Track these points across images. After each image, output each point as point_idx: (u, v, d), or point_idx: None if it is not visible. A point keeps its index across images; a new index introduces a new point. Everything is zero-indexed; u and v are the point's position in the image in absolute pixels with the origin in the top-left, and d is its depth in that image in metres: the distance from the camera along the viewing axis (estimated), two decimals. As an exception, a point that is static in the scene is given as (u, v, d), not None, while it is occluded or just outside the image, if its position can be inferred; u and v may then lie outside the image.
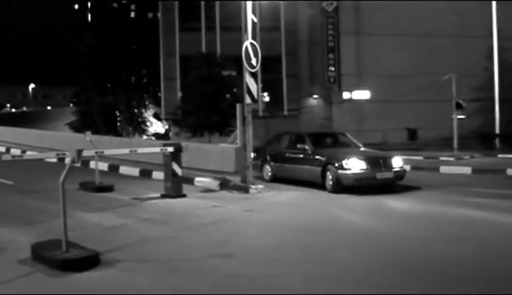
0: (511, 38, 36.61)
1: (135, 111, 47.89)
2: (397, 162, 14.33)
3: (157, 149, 13.60)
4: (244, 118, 15.09)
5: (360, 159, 13.78)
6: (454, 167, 20.17)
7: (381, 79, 37.63)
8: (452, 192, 13.82)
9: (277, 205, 12.45)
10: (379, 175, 13.63)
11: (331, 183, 13.82)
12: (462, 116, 27.35)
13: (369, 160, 13.86)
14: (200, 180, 15.41)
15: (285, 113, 39.12)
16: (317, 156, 14.52)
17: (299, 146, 15.25)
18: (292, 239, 8.66)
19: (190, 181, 15.18)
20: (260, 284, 6.27)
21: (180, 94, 36.58)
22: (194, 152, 17.16)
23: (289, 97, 39.36)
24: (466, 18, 37.65)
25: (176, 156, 13.04)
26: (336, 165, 13.66)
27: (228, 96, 31.63)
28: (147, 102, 49.41)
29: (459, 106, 27.04)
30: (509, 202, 12.17)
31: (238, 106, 15.35)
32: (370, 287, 6.13)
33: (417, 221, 10.37)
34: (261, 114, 37.21)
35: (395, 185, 14.31)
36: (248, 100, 14.71)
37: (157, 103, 45.89)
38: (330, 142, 16.47)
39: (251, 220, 10.50)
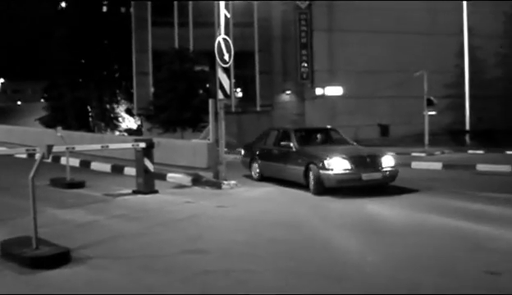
0: (481, 36, 37.12)
1: (107, 106, 47.59)
2: (387, 162, 12.98)
3: (129, 145, 13.50)
4: (216, 114, 15.03)
5: (343, 158, 12.53)
6: (425, 163, 20.44)
7: (353, 75, 37.90)
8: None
9: (250, 200, 12.44)
10: (365, 176, 12.39)
11: (313, 183, 12.72)
12: (433, 113, 27.69)
13: (354, 159, 12.61)
14: (172, 176, 15.34)
15: (258, 109, 39.22)
16: (300, 155, 13.55)
17: (283, 143, 14.43)
18: (264, 234, 8.66)
19: (163, 177, 15.09)
20: (233, 280, 6.26)
21: (152, 90, 36.45)
22: (167, 147, 17.06)
23: (262, 92, 39.44)
24: (438, 16, 38.14)
25: (148, 151, 12.95)
26: (319, 164, 12.52)
27: (201, 91, 31.61)
28: (119, 98, 49.11)
29: (430, 103, 27.36)
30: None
31: (210, 101, 15.30)
32: (338, 281, 6.16)
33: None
34: (234, 110, 37.25)
35: (386, 187, 13.18)
36: (220, 95, 14.65)
37: (129, 99, 45.61)
38: (319, 138, 15.27)
39: (224, 216, 10.48)
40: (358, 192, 12.60)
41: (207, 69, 33.48)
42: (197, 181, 14.71)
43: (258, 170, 15.48)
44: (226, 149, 15.38)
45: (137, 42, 39.29)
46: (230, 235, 8.64)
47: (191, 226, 9.40)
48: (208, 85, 32.00)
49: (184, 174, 15.24)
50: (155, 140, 13.70)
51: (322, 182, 12.50)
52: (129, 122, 48.75)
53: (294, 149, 13.92)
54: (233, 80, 34.74)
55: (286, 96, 40.31)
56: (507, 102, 36.69)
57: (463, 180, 15.87)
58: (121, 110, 48.74)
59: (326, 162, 12.43)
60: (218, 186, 14.10)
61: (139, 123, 45.83)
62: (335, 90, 39.05)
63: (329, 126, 16.87)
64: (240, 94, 40.39)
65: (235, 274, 6.48)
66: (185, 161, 16.94)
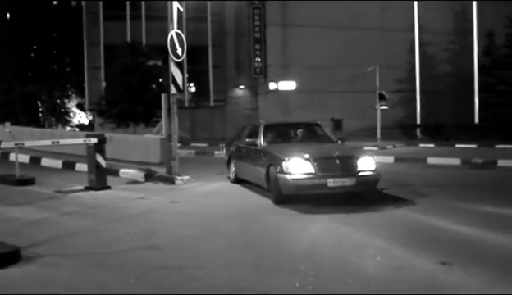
0: (431, 33, 37.89)
1: (58, 101, 46.75)
2: (365, 164, 10.65)
3: (81, 140, 13.35)
4: (169, 108, 14.96)
5: (305, 159, 10.41)
6: (377, 156, 20.71)
7: (306, 70, 38.11)
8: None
9: (203, 195, 12.42)
10: (332, 182, 10.16)
11: (272, 190, 11.01)
12: (385, 107, 28.10)
13: (319, 161, 10.41)
14: (125, 172, 15.19)
15: (212, 104, 39.11)
16: (264, 154, 11.71)
17: (247, 140, 12.97)
18: (217, 229, 8.66)
19: (115, 173, 14.93)
20: (187, 276, 6.23)
21: (104, 84, 35.96)
22: (119, 143, 16.86)
23: (215, 87, 39.36)
24: (389, 12, 38.60)
25: (100, 147, 12.81)
26: (276, 167, 10.65)
27: (154, 86, 31.33)
28: (70, 92, 48.31)
29: (382, 97, 27.76)
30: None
31: (163, 96, 15.23)
32: (288, 272, 6.20)
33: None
34: (187, 104, 37.12)
35: (367, 194, 11.17)
36: (173, 90, 14.57)
37: (81, 93, 44.94)
38: (294, 135, 13.41)
39: (177, 211, 10.43)
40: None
41: (160, 63, 33.20)
42: (150, 176, 14.62)
43: (233, 171, 13.98)
44: (179, 144, 15.31)
45: (88, 35, 38.68)
46: (183, 230, 8.61)
47: (144, 222, 9.32)
48: (160, 80, 31.73)
49: (137, 170, 15.10)
50: (107, 135, 13.57)
51: (279, 188, 10.57)
52: (80, 117, 48.03)
53: (259, 147, 12.23)
54: (186, 75, 34.59)
55: (240, 91, 40.31)
56: (456, 97, 37.52)
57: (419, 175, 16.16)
58: (72, 105, 47.99)
59: (284, 164, 10.40)
60: (171, 181, 14.05)
61: (90, 118, 45.20)
62: (288, 85, 39.19)
63: (311, 121, 14.57)
64: (193, 89, 40.22)
65: (188, 269, 6.45)
66: (138, 156, 16.78)
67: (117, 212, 10.26)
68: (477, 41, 34.99)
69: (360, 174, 10.46)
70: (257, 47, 39.15)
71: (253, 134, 13.00)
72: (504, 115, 31.55)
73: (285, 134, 13.33)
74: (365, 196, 11.11)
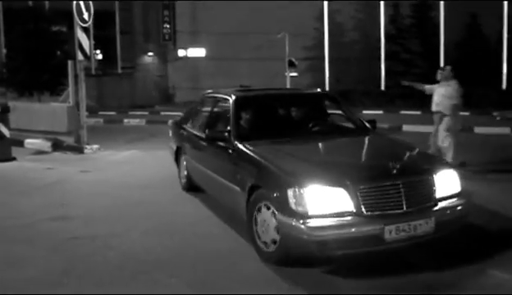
0: (339, 1, 38.51)
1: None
2: (446, 185, 5.54)
3: (-18, 110, 12.72)
4: (76, 76, 14.52)
5: (335, 182, 5.08)
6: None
7: (216, 37, 37.87)
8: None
9: (114, 164, 12.18)
10: (393, 231, 4.97)
11: (267, 241, 5.47)
12: (295, 74, 28.41)
13: (365, 185, 5.09)
14: (31, 142, 14.65)
15: (120, 71, 38.24)
16: (241, 162, 6.22)
17: (209, 132, 7.07)
18: (129, 198, 8.58)
19: (20, 143, 14.35)
20: (101, 244, 6.15)
21: (4, 51, 34.35)
22: (24, 111, 16.18)
23: (123, 54, 38.40)
24: (298, -21, 38.81)
25: (2, 116, 12.31)
26: (273, 199, 5.30)
27: (59, 53, 30.23)
28: (-33, 60, 45.83)
29: (291, 64, 28.04)
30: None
31: (69, 63, 14.75)
32: (201, 237, 6.24)
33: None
34: (94, 72, 36.08)
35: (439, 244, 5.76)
36: (80, 56, 14.15)
37: (-22, 61, 42.71)
38: (293, 118, 7.60)
39: (87, 181, 10.21)
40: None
41: (65, 29, 32.00)
42: (57, 146, 14.19)
43: (186, 174, 8.81)
44: (87, 113, 14.93)
45: (-14, -1, 36.73)
46: (94, 200, 8.45)
47: (54, 193, 9.07)
48: (66, 47, 30.63)
49: (43, 140, 14.60)
50: (10, 104, 13.04)
51: (285, 244, 5.21)
52: (-21, 86, 45.75)
53: (231, 148, 6.49)
54: (93, 42, 33.57)
55: (149, 58, 39.60)
56: (364, 65, 38.48)
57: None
58: (-30, 73, 45.58)
59: (292, 194, 5.04)
60: (80, 151, 13.73)
61: (-10, 87, 43.15)
62: (197, 52, 38.98)
63: (319, 89, 10.08)
64: (100, 56, 39.16)
65: (102, 239, 6.37)
66: (45, 125, 16.19)
67: (25, 184, 9.92)
68: (383, 10, 35.87)
69: (441, 207, 5.37)
70: (166, 13, 38.49)
71: (218, 118, 7.91)
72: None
73: (274, 117, 7.52)
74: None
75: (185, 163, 8.80)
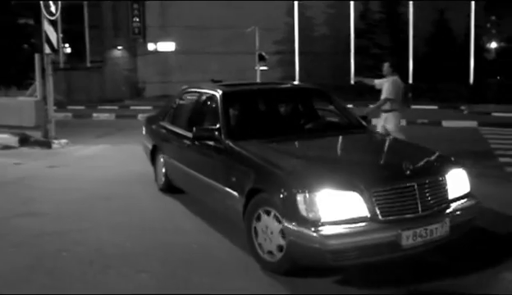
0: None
1: None
2: (457, 184, 5.34)
3: None
4: (43, 69, 14.32)
5: (348, 186, 4.72)
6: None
7: (185, 31, 37.71)
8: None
9: (83, 159, 12.05)
10: (410, 237, 4.70)
11: (272, 250, 5.02)
12: (265, 68, 28.38)
13: (380, 188, 4.77)
14: (-3, 137, 14.43)
15: (88, 65, 37.85)
16: (236, 163, 5.81)
17: (194, 132, 6.36)
18: (98, 192, 8.48)
19: (-14, 138, 14.15)
20: (70, 240, 6.07)
21: (-31, 45, 33.77)
22: (-11, 106, 15.93)
23: (92, 48, 38.02)
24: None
25: (-32, 111, 12.09)
26: (277, 204, 4.88)
27: (26, 46, 29.84)
28: None
29: (261, 58, 27.97)
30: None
31: (37, 56, 14.53)
32: (175, 234, 6.21)
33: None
34: (62, 66, 35.67)
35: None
36: (47, 50, 13.96)
37: None
38: (285, 115, 7.49)
39: (55, 176, 10.08)
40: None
41: (31, 22, 31.57)
42: (25, 141, 13.99)
43: (164, 172, 8.20)
44: (55, 107, 14.74)
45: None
46: (63, 196, 8.34)
47: (21, 189, 8.94)
48: (33, 40, 30.23)
49: (10, 135, 14.36)
50: (-24, 98, 12.79)
51: (291, 254, 4.83)
52: None
53: (221, 148, 6.07)
54: (61, 35, 33.16)
55: (118, 51, 39.27)
56: (334, 59, 38.67)
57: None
58: None
59: (301, 199, 4.66)
60: (48, 145, 13.55)
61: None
62: (167, 46, 38.79)
63: (312, 86, 8.83)
64: (68, 50, 38.74)
65: (71, 234, 6.31)
66: (11, 120, 15.93)
67: (-9, 179, 9.76)
68: (353, 6, 36.07)
69: (454, 208, 5.18)
70: (135, 6, 38.17)
71: (202, 115, 7.24)
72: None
73: (268, 116, 7.31)
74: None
75: (162, 162, 8.17)
